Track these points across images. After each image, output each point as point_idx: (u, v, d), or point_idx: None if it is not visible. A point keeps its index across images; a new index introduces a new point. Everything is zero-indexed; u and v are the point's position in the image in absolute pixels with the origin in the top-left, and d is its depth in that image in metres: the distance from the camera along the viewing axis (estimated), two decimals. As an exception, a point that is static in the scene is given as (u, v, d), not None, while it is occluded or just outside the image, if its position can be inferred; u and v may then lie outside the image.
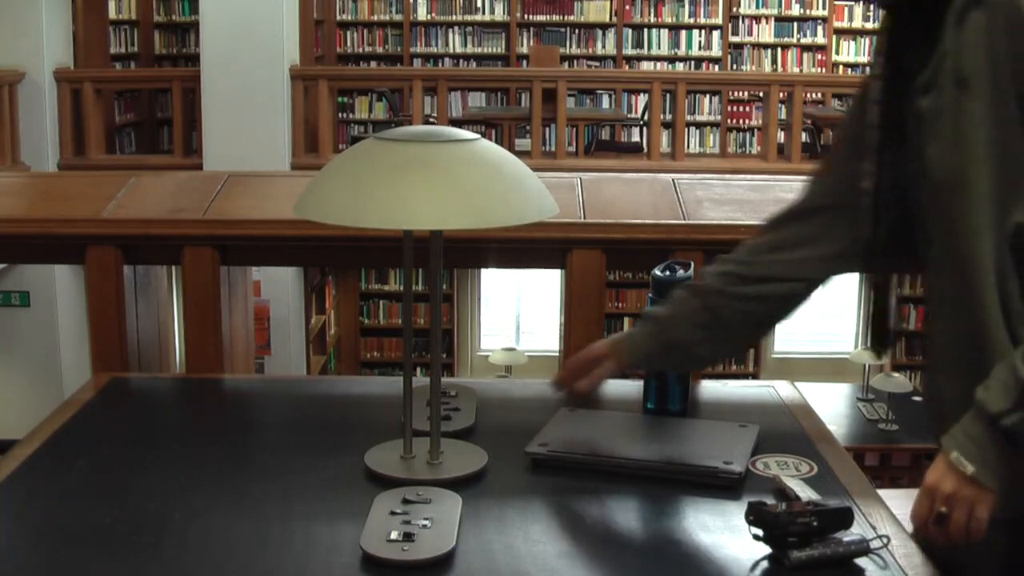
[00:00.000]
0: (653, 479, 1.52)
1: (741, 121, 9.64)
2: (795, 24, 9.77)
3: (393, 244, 1.95)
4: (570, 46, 9.78)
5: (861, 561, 1.30)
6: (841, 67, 9.76)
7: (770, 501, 1.35)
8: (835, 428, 5.57)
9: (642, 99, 9.24)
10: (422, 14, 9.82)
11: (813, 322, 10.26)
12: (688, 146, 9.14)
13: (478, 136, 1.48)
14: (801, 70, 9.68)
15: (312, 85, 7.72)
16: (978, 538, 1.23)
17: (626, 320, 9.35)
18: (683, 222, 2.16)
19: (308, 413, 1.88)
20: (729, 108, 9.25)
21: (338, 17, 9.77)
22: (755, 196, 2.28)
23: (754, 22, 9.78)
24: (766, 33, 9.79)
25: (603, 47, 9.81)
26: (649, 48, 9.79)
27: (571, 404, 1.77)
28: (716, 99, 9.43)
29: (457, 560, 1.29)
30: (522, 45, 9.77)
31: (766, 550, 1.30)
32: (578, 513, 1.46)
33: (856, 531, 1.33)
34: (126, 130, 8.94)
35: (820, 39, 9.76)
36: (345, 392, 2.07)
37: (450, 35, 9.81)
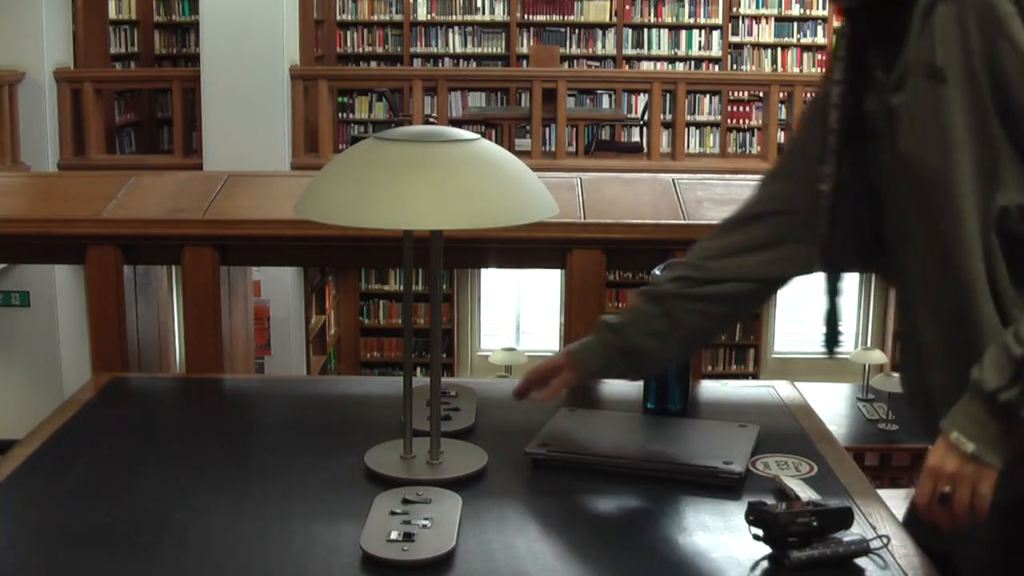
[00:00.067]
0: (653, 479, 1.52)
1: (741, 121, 9.64)
2: (795, 24, 9.77)
3: (393, 244, 1.95)
4: (570, 46, 9.78)
5: (861, 561, 1.30)
6: (841, 67, 9.74)
7: (770, 501, 1.35)
8: (835, 428, 5.58)
9: (642, 99, 9.24)
10: (422, 14, 9.82)
11: (813, 322, 10.26)
12: (688, 146, 9.15)
13: (478, 136, 1.48)
14: (801, 70, 9.67)
15: (312, 85, 7.73)
16: (982, 516, 1.24)
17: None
18: (683, 222, 2.15)
19: (308, 413, 1.88)
20: (729, 108, 9.25)
21: (338, 17, 9.77)
22: (755, 196, 2.28)
23: (754, 22, 9.78)
24: (766, 33, 9.80)
25: (603, 47, 9.81)
26: (649, 48, 9.79)
27: (571, 404, 1.78)
28: (716, 99, 9.43)
29: (457, 560, 1.29)
30: (522, 45, 9.77)
31: (766, 550, 1.30)
32: (578, 513, 1.46)
33: (856, 531, 1.33)
34: (126, 130, 8.94)
35: (820, 39, 9.76)
36: (345, 392, 2.07)
37: (450, 35, 9.82)
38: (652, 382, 1.79)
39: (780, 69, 9.71)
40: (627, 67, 9.73)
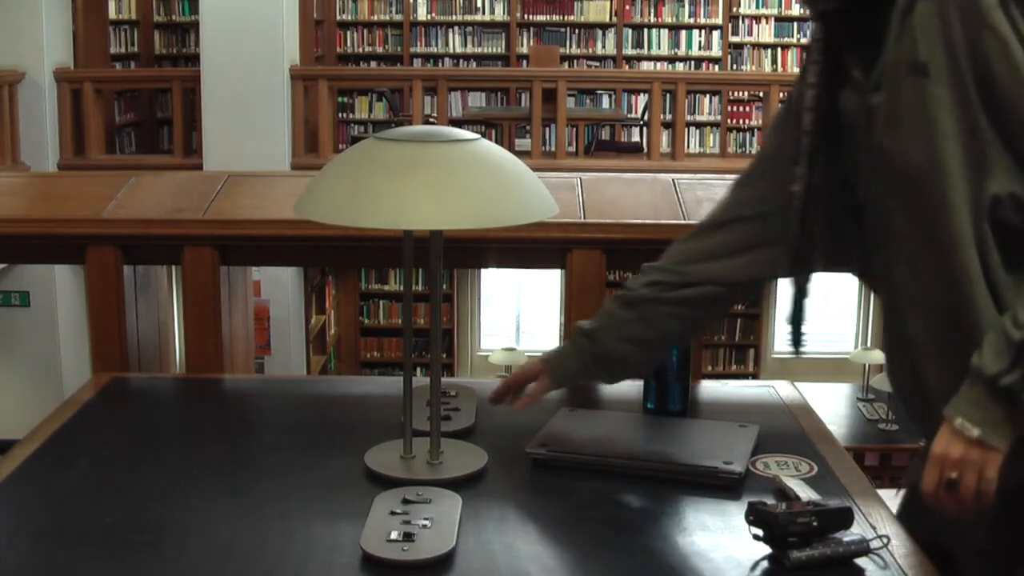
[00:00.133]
0: (653, 479, 1.52)
1: (741, 121, 9.64)
2: (795, 24, 9.77)
3: (393, 244, 1.95)
4: (570, 46, 9.78)
5: (861, 561, 1.30)
6: (841, 67, 9.74)
7: (770, 501, 1.36)
8: (835, 428, 5.58)
9: (642, 99, 9.24)
10: (422, 14, 9.82)
11: (813, 322, 10.25)
12: (688, 146, 9.14)
13: (478, 136, 1.48)
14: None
15: (312, 85, 7.73)
16: (988, 501, 1.25)
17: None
18: (683, 222, 2.15)
19: (308, 413, 1.88)
20: (729, 108, 9.25)
21: (338, 17, 9.77)
22: (755, 196, 2.28)
23: (754, 22, 9.78)
24: (766, 33, 9.79)
25: (603, 47, 9.81)
26: (649, 48, 9.79)
27: (571, 404, 1.78)
28: (716, 99, 9.43)
29: (457, 560, 1.29)
30: (522, 45, 9.77)
31: (766, 550, 1.30)
32: (578, 513, 1.46)
33: (856, 531, 1.33)
34: (126, 130, 8.94)
35: (820, 39, 9.74)
36: (345, 392, 2.07)
37: (450, 35, 9.81)
38: (652, 382, 1.79)
39: (780, 69, 9.71)
40: (627, 67, 9.72)
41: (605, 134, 9.55)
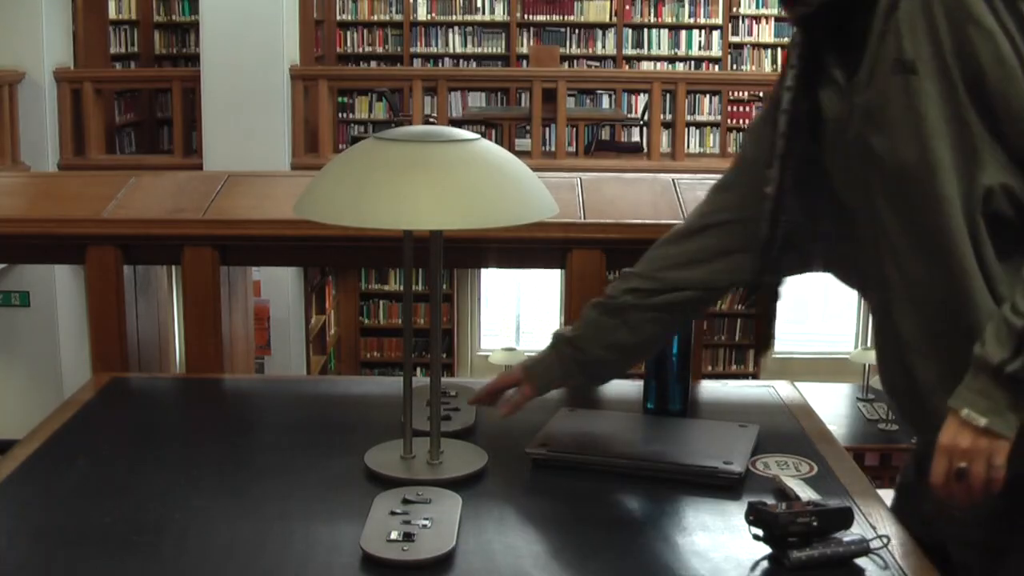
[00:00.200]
0: (653, 479, 1.52)
1: (741, 121, 9.63)
2: (795, 24, 9.75)
3: (393, 244, 1.95)
4: (570, 46, 9.78)
5: (861, 561, 1.30)
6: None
7: (770, 501, 1.36)
8: (835, 428, 5.57)
9: (642, 99, 9.24)
10: (422, 14, 9.82)
11: (813, 322, 10.26)
12: (688, 146, 9.14)
13: (478, 136, 1.48)
14: (801, 70, 9.65)
15: (312, 85, 7.72)
16: (997, 488, 1.26)
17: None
18: (683, 222, 2.15)
19: (308, 413, 1.88)
20: (729, 108, 9.25)
21: (338, 17, 9.77)
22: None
23: (754, 22, 9.78)
24: (766, 33, 9.79)
25: (603, 47, 9.81)
26: (649, 48, 9.79)
27: (571, 404, 1.78)
28: (716, 99, 9.43)
29: (457, 560, 1.29)
30: (522, 45, 9.77)
31: (766, 550, 1.30)
32: (578, 513, 1.46)
33: (856, 531, 1.33)
34: (126, 130, 8.94)
35: (820, 39, 9.74)
36: (345, 392, 2.07)
37: (450, 35, 9.81)
38: (652, 382, 1.79)
39: (780, 69, 9.68)
40: (627, 67, 9.72)
41: (605, 134, 9.55)
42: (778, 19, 9.75)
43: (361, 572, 1.27)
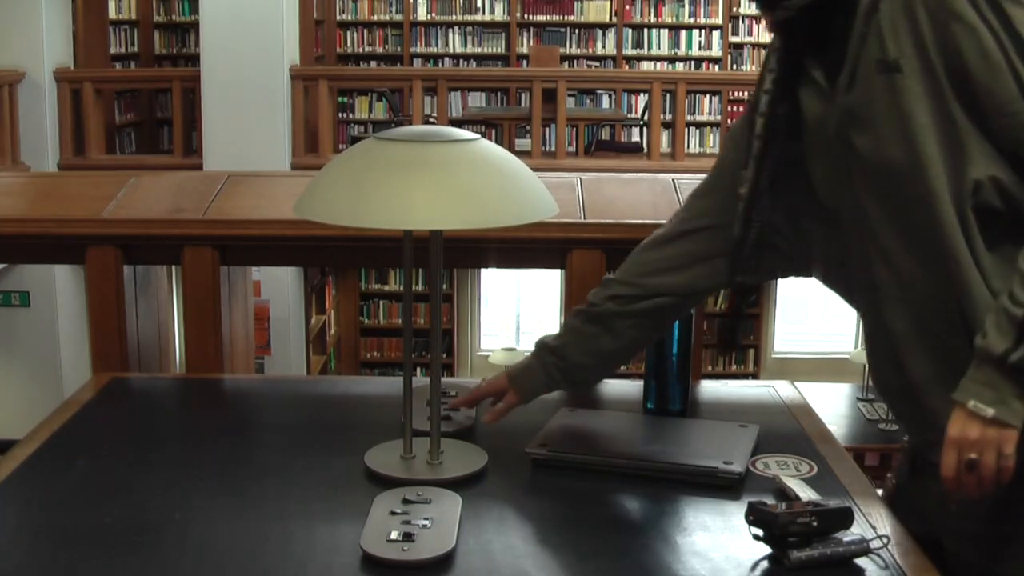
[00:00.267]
0: (653, 479, 1.52)
1: (741, 121, 9.63)
2: (795, 24, 9.75)
3: (393, 244, 1.95)
4: (570, 46, 9.78)
5: (861, 561, 1.30)
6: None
7: (770, 501, 1.36)
8: (835, 428, 5.57)
9: (642, 99, 9.24)
10: (422, 14, 9.82)
11: (813, 322, 10.27)
12: (688, 146, 9.14)
13: (478, 136, 1.48)
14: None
15: (312, 85, 7.72)
16: (1007, 477, 1.27)
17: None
18: (683, 222, 2.15)
19: (308, 413, 1.88)
20: (729, 108, 9.24)
21: (338, 17, 9.77)
22: (755, 196, 2.28)
23: (754, 22, 9.78)
24: (766, 33, 9.75)
25: (603, 47, 9.81)
26: (649, 48, 9.79)
27: (571, 404, 1.78)
28: (716, 99, 9.43)
29: (457, 560, 1.29)
30: (522, 45, 9.77)
31: (766, 550, 1.30)
32: (578, 513, 1.46)
33: (856, 531, 1.33)
34: (126, 130, 8.95)
35: (820, 39, 9.74)
36: (345, 392, 2.07)
37: (450, 35, 9.81)
38: (652, 382, 1.79)
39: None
40: (627, 67, 9.73)
41: (605, 134, 9.55)
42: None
43: (361, 572, 1.27)
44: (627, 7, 9.76)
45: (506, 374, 1.68)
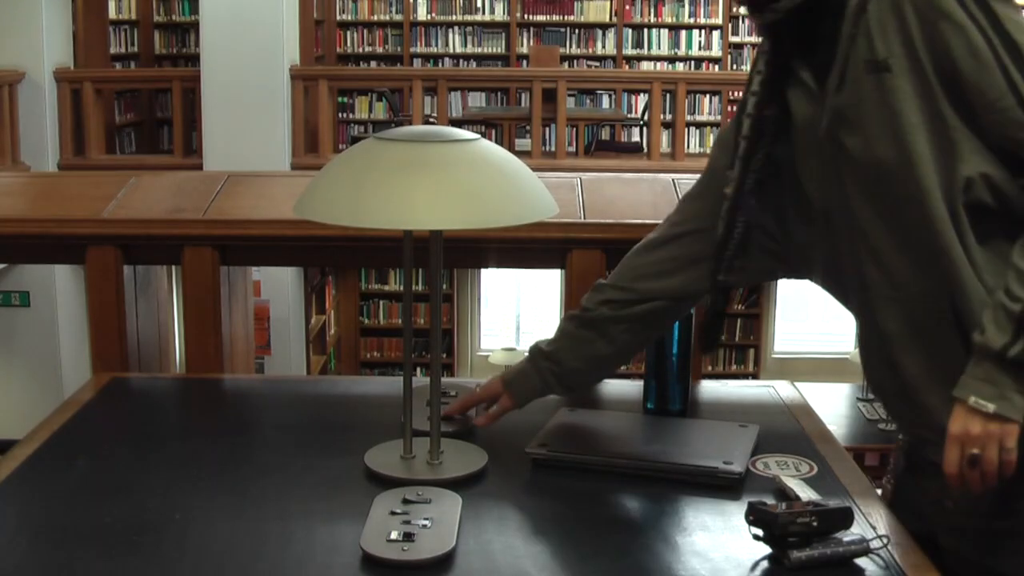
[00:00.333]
0: (653, 479, 1.52)
1: (741, 121, 9.62)
2: (795, 24, 9.75)
3: (393, 244, 1.95)
4: (570, 46, 9.78)
5: (861, 561, 1.30)
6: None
7: (770, 501, 1.36)
8: (835, 428, 5.56)
9: (642, 99, 9.24)
10: (422, 14, 9.82)
11: (813, 322, 10.26)
12: (688, 146, 9.14)
13: (478, 136, 1.48)
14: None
15: (312, 85, 7.73)
16: (1009, 471, 1.28)
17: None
18: (683, 222, 2.15)
19: (308, 413, 1.88)
20: (729, 108, 9.25)
21: (338, 17, 9.77)
22: (755, 196, 2.28)
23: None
24: (766, 33, 9.78)
25: (603, 47, 9.81)
26: (649, 48, 9.79)
27: (571, 404, 1.78)
28: (716, 99, 9.44)
29: (457, 560, 1.29)
30: (522, 45, 9.77)
31: (766, 550, 1.30)
32: (578, 513, 1.46)
33: (856, 531, 1.33)
34: (126, 130, 8.95)
35: (820, 39, 9.74)
36: (345, 392, 2.07)
37: (450, 35, 9.82)
38: (652, 382, 1.79)
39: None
40: (627, 67, 9.73)
41: (605, 134, 9.55)
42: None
43: (361, 572, 1.27)
44: (627, 7, 9.76)
45: (501, 379, 1.69)
